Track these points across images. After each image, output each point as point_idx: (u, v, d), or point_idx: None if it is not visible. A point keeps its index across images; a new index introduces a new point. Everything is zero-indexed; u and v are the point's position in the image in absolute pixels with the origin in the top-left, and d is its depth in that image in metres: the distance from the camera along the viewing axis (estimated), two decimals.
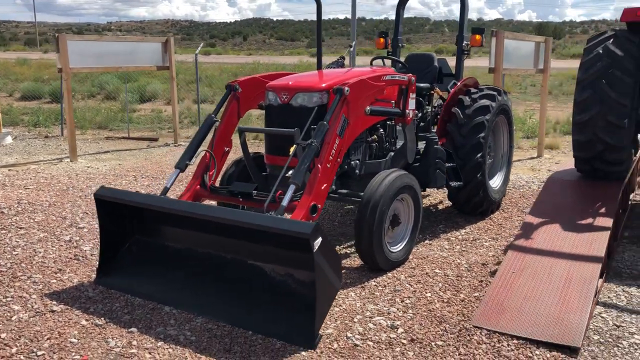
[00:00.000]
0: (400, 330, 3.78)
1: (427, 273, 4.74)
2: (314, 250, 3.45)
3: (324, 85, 4.76)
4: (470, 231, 5.89)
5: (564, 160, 10.13)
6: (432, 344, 3.61)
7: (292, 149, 4.27)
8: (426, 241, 5.54)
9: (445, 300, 4.23)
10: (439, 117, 6.29)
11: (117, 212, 4.47)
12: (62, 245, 5.38)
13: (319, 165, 4.24)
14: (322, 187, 4.27)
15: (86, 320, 3.90)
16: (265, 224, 3.66)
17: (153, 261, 4.46)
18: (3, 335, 3.67)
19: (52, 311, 4.03)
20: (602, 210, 5.07)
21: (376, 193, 4.52)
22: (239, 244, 4.07)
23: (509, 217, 6.40)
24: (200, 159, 4.89)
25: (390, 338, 3.68)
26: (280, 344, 3.57)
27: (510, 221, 6.25)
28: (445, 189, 6.08)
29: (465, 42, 6.49)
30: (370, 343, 3.62)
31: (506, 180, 6.81)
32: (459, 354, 3.48)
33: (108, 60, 10.41)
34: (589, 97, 5.27)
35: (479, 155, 5.87)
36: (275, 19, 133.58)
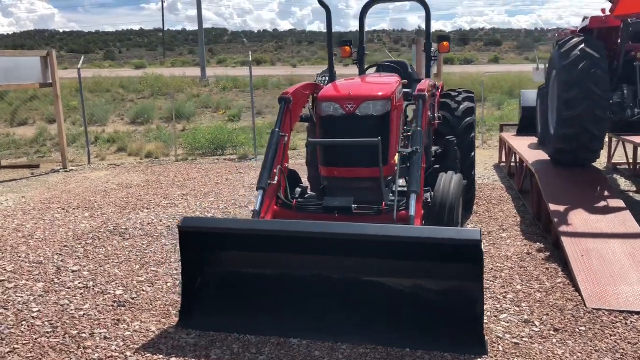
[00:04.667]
0: (537, 322, 3.92)
1: (491, 268, 4.94)
2: (483, 256, 3.46)
3: (381, 93, 4.70)
4: (476, 225, 6.22)
5: None
6: (577, 330, 3.81)
7: (396, 158, 4.17)
8: None
9: (540, 290, 4.46)
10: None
11: (201, 244, 3.98)
12: (84, 294, 4.60)
13: None
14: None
15: None
16: (427, 236, 3.55)
17: (253, 292, 4.02)
18: None
19: None
20: (605, 193, 5.73)
21: (449, 195, 4.59)
22: (362, 261, 3.88)
23: (489, 209, 6.88)
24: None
25: (535, 332, 3.81)
26: (452, 357, 3.50)
27: (494, 212, 6.73)
28: None
29: (433, 48, 6.82)
30: (526, 339, 3.72)
31: (475, 176, 7.30)
32: (610, 335, 3.73)
33: None
34: (577, 95, 5.91)
35: (472, 153, 6.25)
36: (62, 31, 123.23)
